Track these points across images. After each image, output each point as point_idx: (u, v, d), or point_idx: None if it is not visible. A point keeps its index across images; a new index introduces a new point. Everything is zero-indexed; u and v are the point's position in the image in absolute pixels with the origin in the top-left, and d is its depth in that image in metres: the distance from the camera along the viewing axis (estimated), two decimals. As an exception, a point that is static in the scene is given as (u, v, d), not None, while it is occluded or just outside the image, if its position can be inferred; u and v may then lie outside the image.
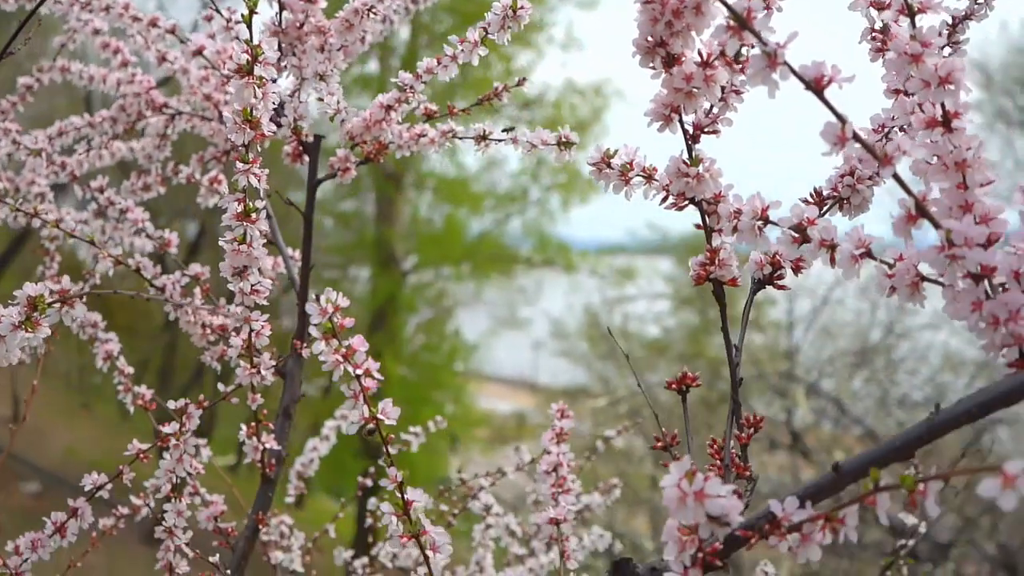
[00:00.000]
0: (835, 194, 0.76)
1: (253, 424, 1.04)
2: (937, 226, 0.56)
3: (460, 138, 1.05)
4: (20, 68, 1.43)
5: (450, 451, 9.56)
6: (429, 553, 0.71)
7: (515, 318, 12.72)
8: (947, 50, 0.80)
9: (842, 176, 0.76)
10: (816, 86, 0.56)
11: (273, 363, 0.99)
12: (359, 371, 0.69)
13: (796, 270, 0.75)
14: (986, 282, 0.58)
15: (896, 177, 0.57)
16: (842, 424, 6.51)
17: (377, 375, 0.69)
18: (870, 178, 0.75)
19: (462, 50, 0.98)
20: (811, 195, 0.77)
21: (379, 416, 0.70)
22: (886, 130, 0.77)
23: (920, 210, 0.57)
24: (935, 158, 0.61)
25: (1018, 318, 0.55)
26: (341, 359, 0.69)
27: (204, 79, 1.23)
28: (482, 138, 1.03)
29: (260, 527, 1.07)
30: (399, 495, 0.72)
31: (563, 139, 0.92)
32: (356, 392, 0.69)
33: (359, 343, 0.70)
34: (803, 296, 7.64)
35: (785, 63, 0.55)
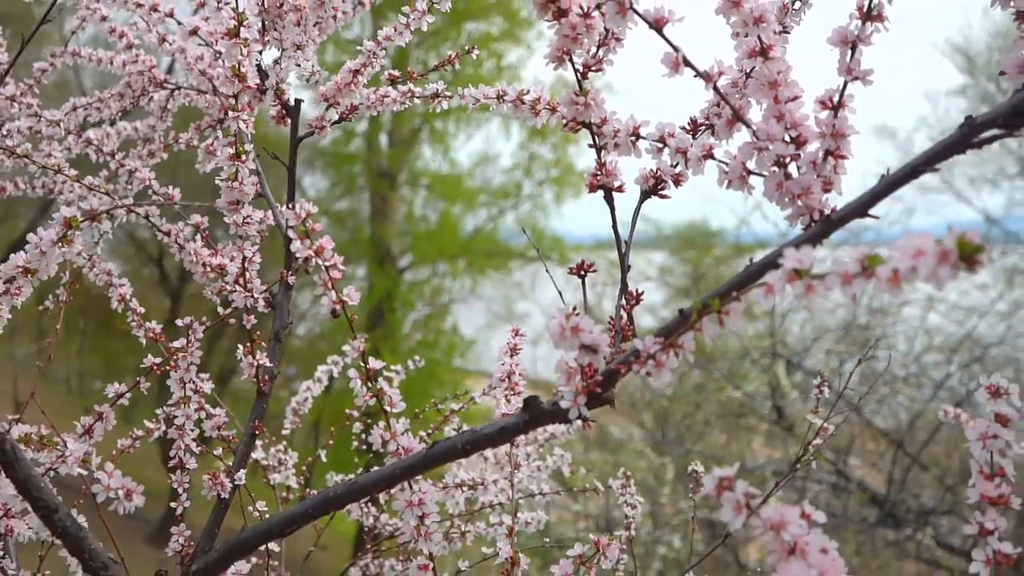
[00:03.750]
0: (707, 121, 0.95)
1: (249, 344, 1.23)
2: (748, 126, 0.76)
3: (417, 97, 1.24)
4: (39, 55, 1.62)
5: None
6: (387, 407, 0.90)
7: (511, 313, 12.90)
8: (798, 3, 0.99)
9: (711, 106, 0.95)
10: (657, 25, 0.75)
11: (264, 288, 1.18)
12: (328, 263, 0.88)
13: (676, 183, 0.94)
14: (792, 168, 0.77)
15: (717, 91, 0.76)
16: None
17: (341, 267, 0.88)
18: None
19: (414, 17, 1.17)
20: (688, 122, 0.96)
21: (345, 299, 0.89)
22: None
23: (736, 116, 0.76)
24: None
25: (809, 193, 0.75)
26: (313, 254, 0.88)
27: (199, 57, 1.42)
28: (435, 96, 1.22)
29: (257, 433, 1.26)
30: (363, 364, 0.91)
31: (500, 93, 1.11)
32: (325, 280, 0.88)
33: (327, 242, 0.89)
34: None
35: (632, 8, 0.74)
